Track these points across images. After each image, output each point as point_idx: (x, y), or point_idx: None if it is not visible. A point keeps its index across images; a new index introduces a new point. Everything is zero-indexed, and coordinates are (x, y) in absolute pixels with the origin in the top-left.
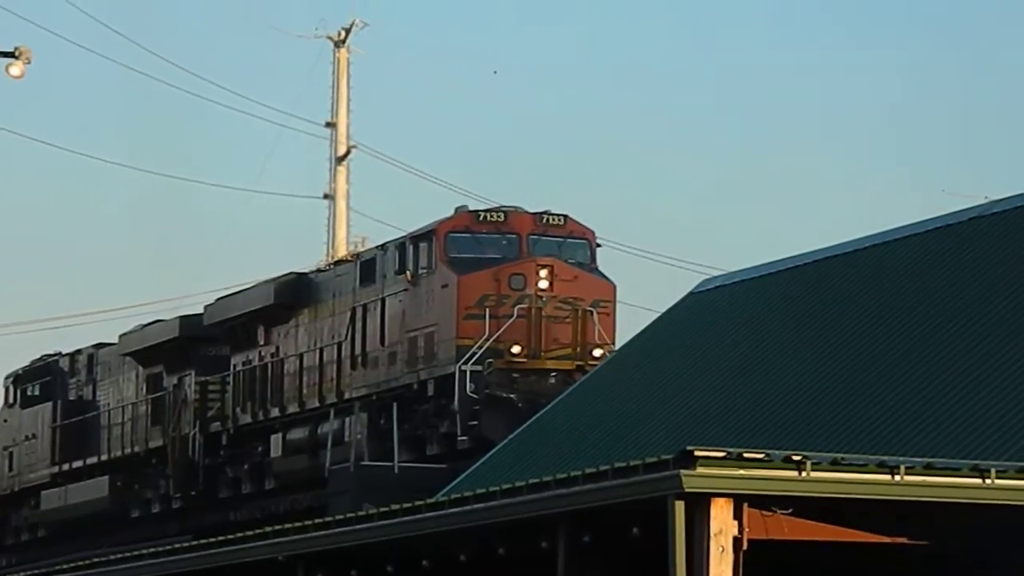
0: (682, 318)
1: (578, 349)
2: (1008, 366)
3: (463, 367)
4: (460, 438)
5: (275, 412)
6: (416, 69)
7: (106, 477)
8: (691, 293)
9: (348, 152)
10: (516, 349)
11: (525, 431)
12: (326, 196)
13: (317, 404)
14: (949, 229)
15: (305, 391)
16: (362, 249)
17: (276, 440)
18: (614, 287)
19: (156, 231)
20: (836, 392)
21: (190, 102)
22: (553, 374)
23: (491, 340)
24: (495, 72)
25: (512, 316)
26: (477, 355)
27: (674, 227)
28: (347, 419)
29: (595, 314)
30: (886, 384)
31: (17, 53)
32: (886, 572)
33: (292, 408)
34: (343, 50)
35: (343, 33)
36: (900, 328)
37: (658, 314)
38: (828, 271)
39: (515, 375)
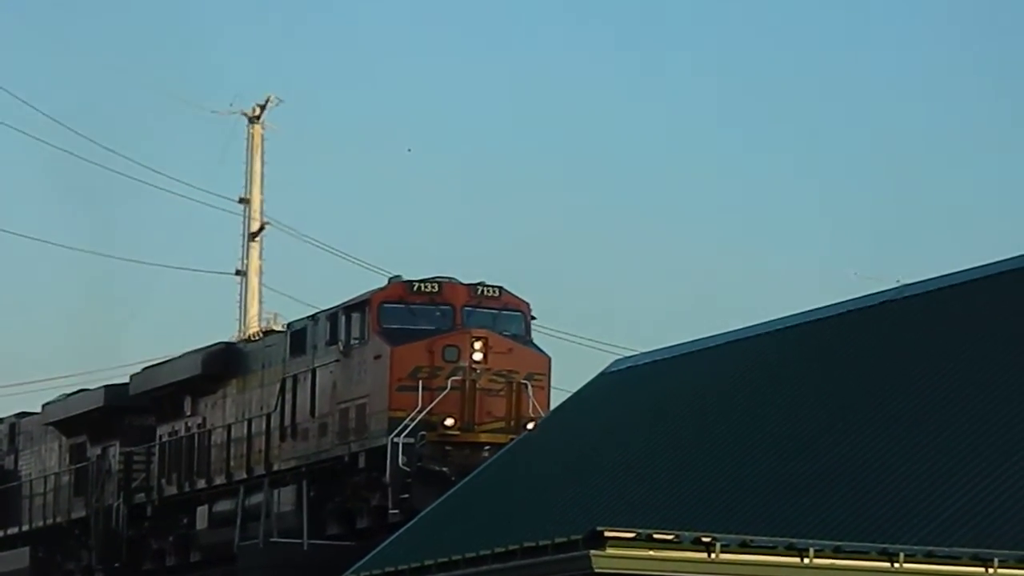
0: (594, 397)
1: (512, 422)
2: (916, 451)
3: (395, 439)
4: (392, 511)
5: (201, 483)
6: (330, 146)
7: (27, 548)
8: (603, 373)
9: (261, 228)
10: (449, 422)
11: (435, 510)
12: (239, 272)
13: (245, 475)
14: (861, 312)
15: (233, 462)
16: (275, 326)
17: (202, 512)
18: (549, 360)
19: (73, 304)
20: (746, 473)
21: (103, 176)
22: (487, 447)
23: (424, 412)
24: (409, 150)
25: (446, 388)
26: (410, 427)
27: (596, 307)
28: (276, 491)
29: (530, 387)
30: (796, 465)
31: None
32: None
33: (219, 480)
34: (257, 126)
35: (258, 109)
36: (812, 409)
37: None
38: (737, 353)
39: (448, 448)
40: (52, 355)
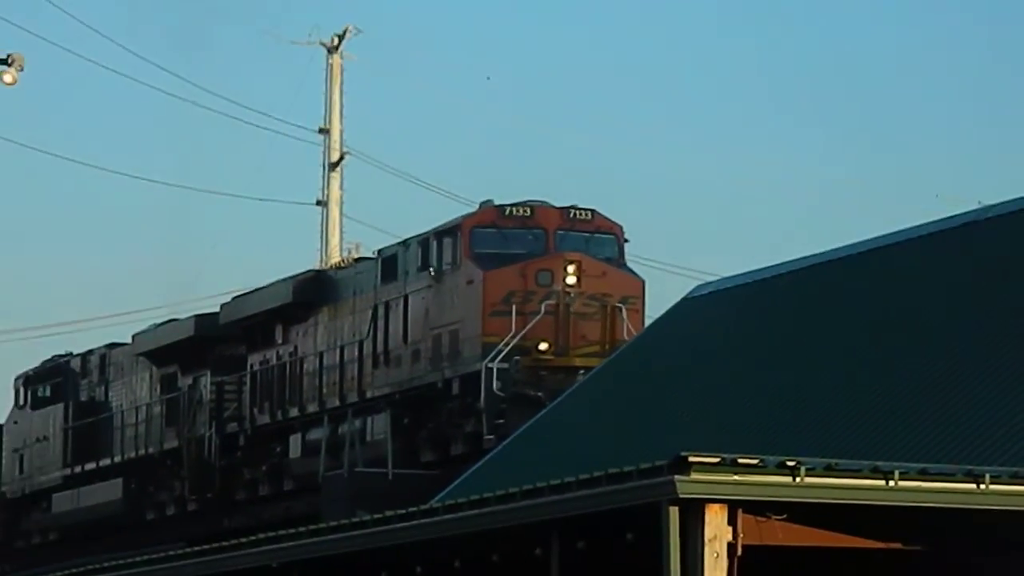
0: (677, 323)
1: (607, 346)
2: (1004, 369)
3: (489, 364)
4: (487, 437)
5: (294, 412)
6: (409, 75)
7: (119, 479)
8: (685, 298)
9: (341, 158)
10: (543, 346)
11: (519, 437)
12: (319, 202)
13: (338, 403)
14: (944, 234)
15: (325, 390)
16: (356, 255)
17: (295, 440)
18: (643, 283)
19: (160, 237)
20: (831, 396)
21: (185, 109)
22: (581, 371)
23: (518, 337)
24: (488, 78)
25: (539, 313)
26: (503, 352)
27: (675, 233)
28: (369, 419)
29: (624, 311)
30: (881, 388)
31: (10, 60)
32: None
33: (312, 408)
34: (336, 56)
35: (336, 39)
36: (896, 331)
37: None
38: (823, 275)
39: (542, 372)
40: (141, 287)
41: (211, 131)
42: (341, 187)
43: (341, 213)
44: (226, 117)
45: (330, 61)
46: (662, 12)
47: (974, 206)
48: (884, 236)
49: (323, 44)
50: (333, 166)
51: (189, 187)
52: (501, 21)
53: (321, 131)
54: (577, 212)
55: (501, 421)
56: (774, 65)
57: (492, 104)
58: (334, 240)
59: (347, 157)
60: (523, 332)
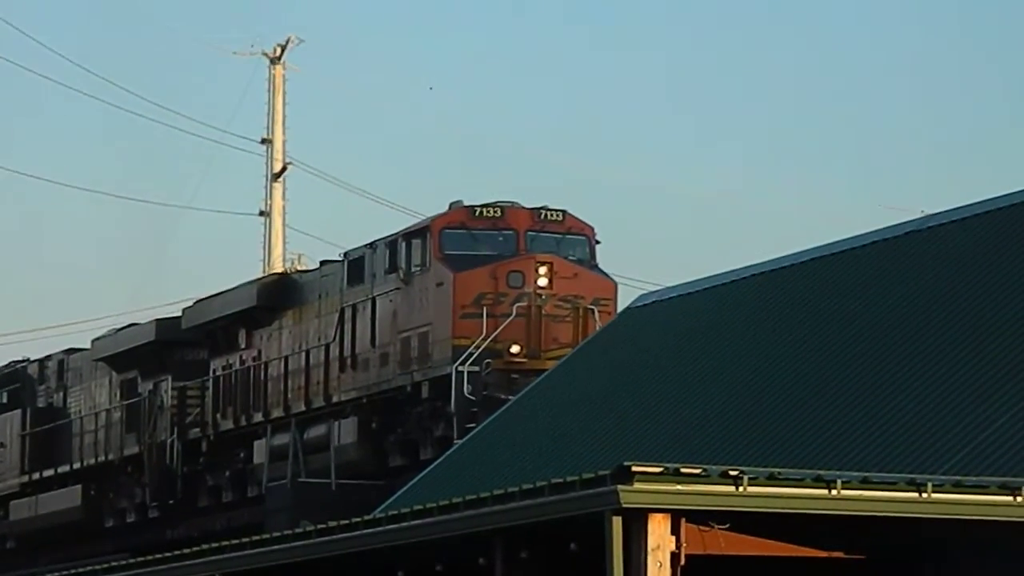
0: (618, 333)
1: None
2: (943, 378)
3: (460, 368)
4: (457, 441)
5: (258, 417)
6: (352, 86)
7: (79, 486)
8: (627, 308)
9: (284, 169)
10: (515, 349)
11: (462, 448)
12: (262, 213)
13: (303, 408)
14: (887, 243)
15: (290, 395)
16: (299, 266)
17: (259, 446)
18: (615, 285)
19: (113, 247)
20: (772, 406)
21: (129, 120)
22: None
23: (489, 340)
24: (431, 88)
25: (510, 315)
26: (474, 355)
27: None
28: (335, 423)
29: (596, 313)
30: (822, 398)
31: None
32: None
33: (277, 413)
34: (279, 67)
35: (279, 50)
36: (836, 341)
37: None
38: (764, 286)
39: (514, 375)
40: (98, 295)
41: (155, 142)
42: (284, 197)
43: (284, 223)
44: (170, 128)
45: (272, 71)
46: (602, 17)
47: (916, 215)
48: (825, 245)
49: (265, 54)
50: (276, 176)
51: (133, 199)
52: (444, 31)
53: (264, 141)
54: (548, 213)
55: (472, 425)
56: (738, 76)
57: (435, 114)
58: (277, 251)
59: (290, 167)
60: (494, 335)
